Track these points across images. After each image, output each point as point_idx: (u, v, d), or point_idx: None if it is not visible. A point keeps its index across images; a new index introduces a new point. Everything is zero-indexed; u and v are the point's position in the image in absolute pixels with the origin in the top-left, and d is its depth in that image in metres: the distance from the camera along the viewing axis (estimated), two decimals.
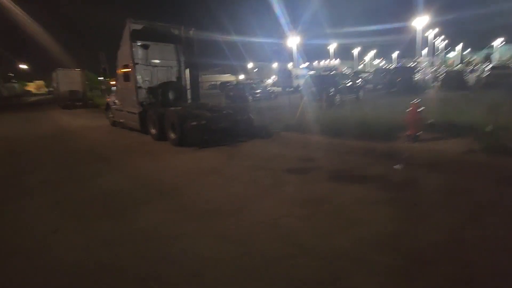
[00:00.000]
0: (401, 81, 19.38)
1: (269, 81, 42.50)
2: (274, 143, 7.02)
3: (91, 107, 21.97)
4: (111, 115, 11.00)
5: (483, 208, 3.08)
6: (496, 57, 43.90)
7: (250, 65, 75.26)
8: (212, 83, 45.73)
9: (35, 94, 58.50)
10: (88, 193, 4.18)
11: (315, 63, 71.39)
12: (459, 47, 55.60)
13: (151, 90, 8.87)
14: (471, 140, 5.25)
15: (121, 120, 9.98)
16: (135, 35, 8.28)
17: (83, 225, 3.20)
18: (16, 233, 3.10)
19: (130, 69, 8.52)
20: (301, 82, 29.92)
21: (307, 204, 3.41)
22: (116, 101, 10.58)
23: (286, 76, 30.78)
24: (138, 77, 8.59)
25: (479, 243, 2.42)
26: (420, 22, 36.40)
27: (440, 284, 1.98)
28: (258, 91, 20.20)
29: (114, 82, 11.11)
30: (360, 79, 18.16)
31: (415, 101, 5.98)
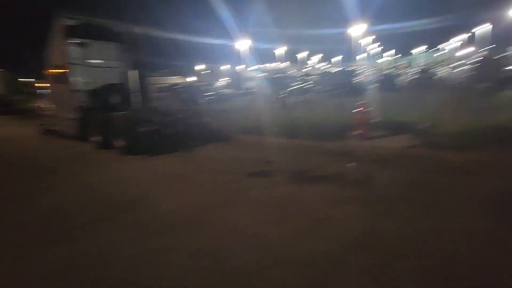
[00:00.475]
0: (343, 83, 20.94)
1: (221, 83, 42.18)
2: (232, 146, 6.87)
3: (16, 114, 19.03)
4: (43, 123, 9.61)
5: (432, 198, 3.36)
6: (421, 62, 50.65)
7: (201, 67, 73.81)
8: (161, 85, 43.57)
9: None
10: (32, 213, 3.55)
11: (265, 65, 73.17)
12: (391, 52, 62.92)
13: (91, 93, 7.96)
14: (411, 136, 5.82)
15: (55, 128, 8.77)
16: (70, 32, 7.36)
17: (22, 253, 2.64)
18: None
19: (65, 70, 7.53)
20: (252, 84, 30.37)
21: (275, 209, 3.34)
22: (48, 106, 9.28)
23: (237, 78, 30.90)
24: (75, 78, 7.64)
25: (441, 232, 2.61)
26: (356, 30, 39.97)
27: (423, 277, 2.06)
28: (211, 93, 19.82)
29: (42, 85, 9.73)
30: (310, 82, 19.06)
31: (362, 102, 6.42)
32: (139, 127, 6.00)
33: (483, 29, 43.86)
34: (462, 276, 2.03)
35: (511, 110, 6.62)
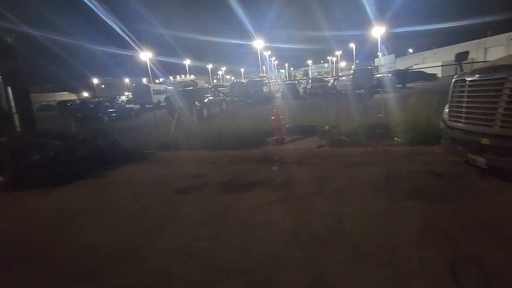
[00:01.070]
0: (254, 93, 22.32)
1: (123, 98, 38.55)
2: (151, 165, 6.39)
3: None
4: None
5: (338, 189, 3.98)
6: (314, 73, 60.08)
7: (95, 81, 65.70)
8: (44, 103, 36.68)
9: None
10: None
11: (171, 78, 70.87)
12: (286, 65, 72.90)
13: None
14: (318, 137, 6.71)
15: None
16: None
17: None
18: None
19: None
20: (161, 98, 28.90)
21: (211, 222, 3.31)
22: None
23: (143, 92, 28.89)
24: None
25: (352, 216, 3.11)
26: (258, 44, 43.54)
27: (354, 255, 2.40)
28: (115, 109, 17.83)
29: None
30: (221, 93, 19.48)
31: (276, 110, 7.03)
32: (31, 155, 4.90)
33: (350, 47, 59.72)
34: (379, 250, 2.50)
35: (377, 111, 8.38)
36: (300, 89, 27.66)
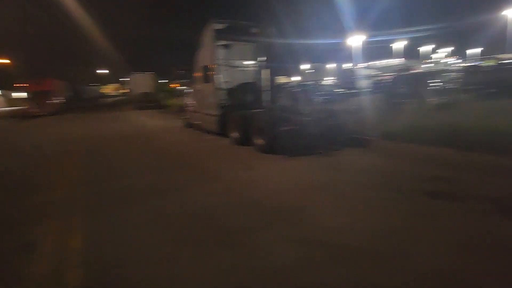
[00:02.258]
0: (500, 81, 16.28)
1: (329, 82, 40.70)
2: (375, 153, 5.95)
3: (159, 108, 23.28)
4: (186, 117, 11.07)
5: None
6: None
7: (304, 66, 73.58)
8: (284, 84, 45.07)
9: (110, 96, 65.95)
10: (190, 206, 3.71)
11: (376, 62, 66.48)
12: None
13: (229, 92, 8.52)
14: None
15: (196, 122, 9.89)
16: (218, 35, 7.99)
17: (198, 252, 2.65)
18: (125, 264, 2.67)
19: (211, 70, 8.27)
20: (366, 82, 27.72)
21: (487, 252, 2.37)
22: (191, 102, 10.58)
23: (349, 76, 28.86)
24: (219, 78, 8.29)
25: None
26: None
27: None
28: (325, 93, 18.95)
29: (176, 85, 11.04)
30: (454, 78, 15.55)
31: None
32: (280, 126, 5.86)
33: None
34: None
35: None
36: None
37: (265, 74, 8.86)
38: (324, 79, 50.00)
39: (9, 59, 27.28)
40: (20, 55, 35.96)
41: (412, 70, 26.58)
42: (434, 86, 12.12)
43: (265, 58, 8.86)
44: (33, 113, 21.44)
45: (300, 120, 6.20)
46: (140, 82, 25.30)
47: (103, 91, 68.19)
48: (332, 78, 45.70)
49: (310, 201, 3.69)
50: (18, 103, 30.06)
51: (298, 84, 29.87)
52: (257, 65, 9.06)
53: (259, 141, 6.43)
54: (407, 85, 10.90)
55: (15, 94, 38.31)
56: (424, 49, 58.42)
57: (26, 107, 22.28)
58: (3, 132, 14.86)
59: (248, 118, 6.86)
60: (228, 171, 5.24)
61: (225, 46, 8.40)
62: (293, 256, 2.50)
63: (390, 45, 54.14)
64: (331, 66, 69.46)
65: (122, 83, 51.89)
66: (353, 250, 2.56)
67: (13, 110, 27.64)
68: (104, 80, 72.15)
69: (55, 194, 4.47)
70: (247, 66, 8.96)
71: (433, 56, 65.61)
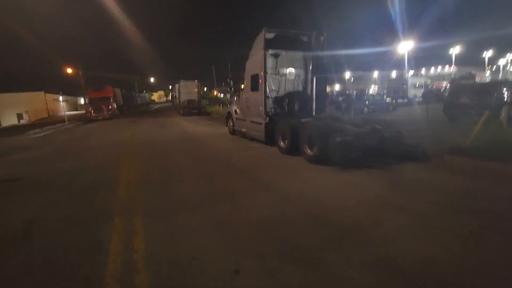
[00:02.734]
0: None
1: (372, 91, 38.82)
2: (440, 170, 5.39)
3: (204, 115, 24.19)
4: (232, 124, 11.27)
5: None
6: None
7: (346, 75, 71.39)
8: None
9: (157, 103, 70.66)
10: (247, 216, 3.66)
11: (423, 71, 61.85)
12: None
13: (277, 100, 8.49)
14: None
15: (242, 130, 9.99)
16: (269, 44, 8.04)
17: (264, 265, 2.56)
18: (191, 276, 2.67)
19: (260, 79, 8.33)
20: (418, 92, 25.86)
21: None
22: (237, 110, 10.76)
23: (398, 85, 27.26)
24: (267, 86, 8.30)
25: None
26: None
27: None
28: (372, 102, 18.04)
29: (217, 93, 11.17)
30: None
31: None
32: (333, 136, 5.60)
33: None
34: None
35: None
36: None
37: (313, 82, 8.68)
38: (372, 87, 47.82)
39: (78, 70, 30.91)
40: (86, 66, 40.65)
41: (475, 78, 24.22)
42: (504, 97, 10.79)
43: (313, 66, 8.68)
44: (94, 118, 23.74)
45: (353, 131, 5.89)
46: (186, 89, 26.57)
47: (152, 98, 73.44)
48: (381, 86, 43.55)
49: (379, 221, 3.40)
50: (83, 108, 33.70)
51: (346, 92, 28.98)
52: (305, 73, 8.92)
53: (310, 151, 6.23)
54: (472, 95, 9.83)
55: (80, 100, 43.17)
56: (488, 55, 52.57)
57: (89, 111, 24.74)
58: (71, 133, 16.59)
59: (298, 127, 6.70)
60: (280, 181, 5.11)
61: (275, 55, 8.41)
62: (369, 281, 2.28)
63: (448, 51, 49.56)
64: (378, 74, 66.31)
65: (170, 90, 55.30)
66: (439, 284, 2.26)
67: (78, 114, 31.03)
68: (153, 87, 77.77)
69: (122, 194, 4.79)
70: (296, 74, 8.86)
71: (499, 63, 58.73)
